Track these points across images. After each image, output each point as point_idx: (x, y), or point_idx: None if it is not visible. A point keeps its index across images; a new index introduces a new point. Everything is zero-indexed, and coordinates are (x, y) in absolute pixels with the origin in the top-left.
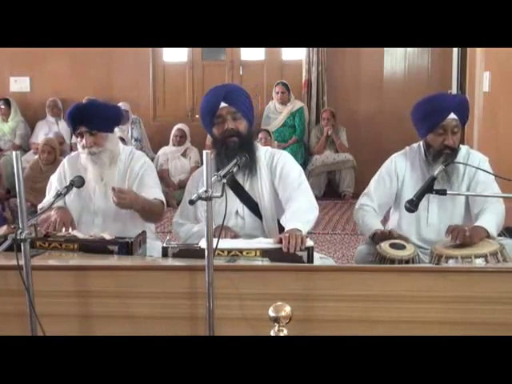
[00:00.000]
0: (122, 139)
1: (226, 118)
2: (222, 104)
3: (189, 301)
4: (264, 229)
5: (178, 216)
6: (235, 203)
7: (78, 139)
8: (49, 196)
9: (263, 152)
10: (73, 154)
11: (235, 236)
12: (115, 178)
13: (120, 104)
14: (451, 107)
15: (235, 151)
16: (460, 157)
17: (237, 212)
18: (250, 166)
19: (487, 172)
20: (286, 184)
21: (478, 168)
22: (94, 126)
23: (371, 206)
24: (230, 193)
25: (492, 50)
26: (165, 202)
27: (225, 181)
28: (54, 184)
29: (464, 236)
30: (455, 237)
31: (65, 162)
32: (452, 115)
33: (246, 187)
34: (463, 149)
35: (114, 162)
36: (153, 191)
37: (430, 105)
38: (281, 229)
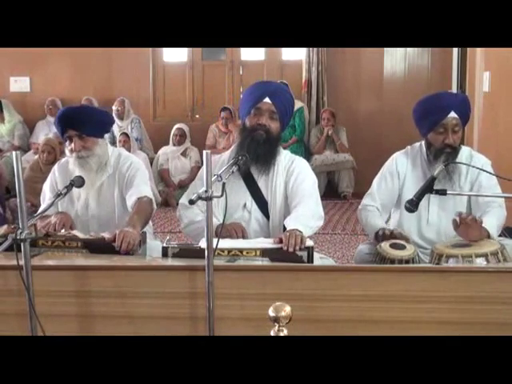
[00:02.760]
0: (126, 134)
1: (264, 114)
2: (267, 99)
3: (189, 301)
4: (269, 229)
5: (185, 197)
6: (245, 195)
7: (67, 143)
8: (44, 204)
9: (284, 155)
10: (62, 160)
11: (243, 233)
12: (105, 182)
13: (121, 97)
14: (452, 106)
15: (259, 145)
16: (463, 158)
17: (245, 205)
18: (268, 164)
19: (490, 173)
20: (298, 190)
21: (479, 169)
22: (83, 130)
23: (374, 206)
24: (241, 184)
25: (492, 50)
26: (152, 197)
27: (225, 181)
28: (47, 194)
29: (471, 219)
30: (464, 218)
31: (55, 169)
32: (452, 114)
33: (260, 184)
34: (466, 150)
35: (101, 169)
36: (139, 189)
37: (430, 103)
38: None
